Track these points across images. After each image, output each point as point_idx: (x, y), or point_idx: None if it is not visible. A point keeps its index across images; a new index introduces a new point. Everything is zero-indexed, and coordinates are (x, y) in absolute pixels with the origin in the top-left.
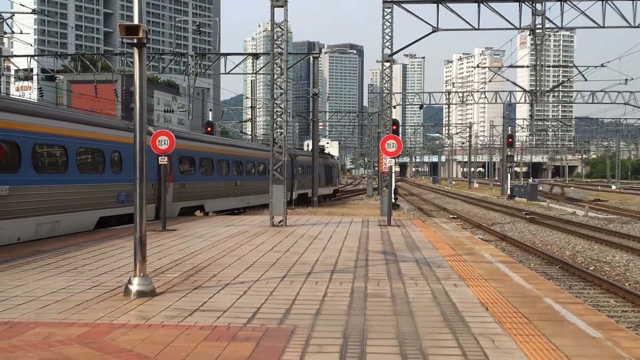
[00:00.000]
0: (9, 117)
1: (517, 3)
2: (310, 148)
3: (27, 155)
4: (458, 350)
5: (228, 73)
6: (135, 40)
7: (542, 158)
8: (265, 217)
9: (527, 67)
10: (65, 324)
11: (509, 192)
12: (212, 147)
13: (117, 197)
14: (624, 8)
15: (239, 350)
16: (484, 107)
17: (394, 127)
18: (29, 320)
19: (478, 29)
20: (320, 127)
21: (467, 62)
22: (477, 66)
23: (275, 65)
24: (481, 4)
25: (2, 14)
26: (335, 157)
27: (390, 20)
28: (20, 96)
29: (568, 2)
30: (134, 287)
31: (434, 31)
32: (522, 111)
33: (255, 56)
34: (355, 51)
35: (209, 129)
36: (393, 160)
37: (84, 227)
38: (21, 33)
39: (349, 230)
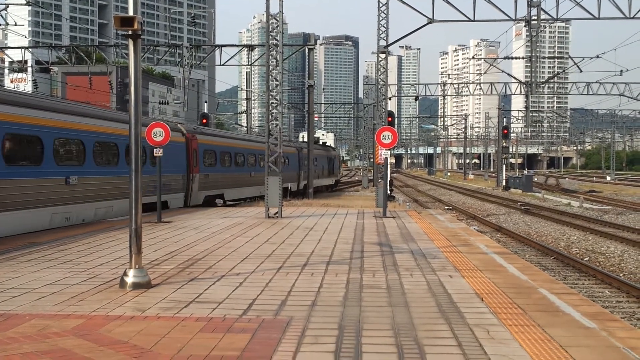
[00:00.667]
0: (77, 119)
1: None
2: (305, 139)
3: (89, 151)
4: (453, 340)
5: (223, 65)
6: (130, 32)
7: (537, 149)
8: (261, 208)
9: (523, 58)
10: (61, 315)
11: (504, 184)
12: (230, 142)
13: (155, 186)
14: None
15: (234, 342)
16: (480, 98)
17: (389, 119)
18: (24, 312)
19: (473, 20)
20: (316, 118)
21: (463, 54)
22: (473, 58)
23: (270, 57)
24: None
25: None
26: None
27: (385, 12)
28: (15, 88)
29: None
30: (130, 279)
31: (429, 22)
32: (518, 102)
33: (251, 48)
34: (350, 43)
35: (204, 120)
36: (388, 151)
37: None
38: (15, 25)
39: (345, 221)
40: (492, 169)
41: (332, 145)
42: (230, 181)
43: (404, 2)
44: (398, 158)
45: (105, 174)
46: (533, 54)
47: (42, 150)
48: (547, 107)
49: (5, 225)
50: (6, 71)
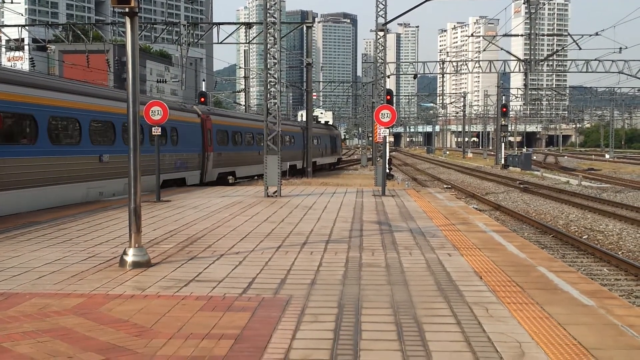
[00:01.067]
0: (109, 103)
1: None
2: (304, 118)
3: (119, 131)
4: (452, 318)
5: (221, 43)
6: (126, 10)
7: (536, 127)
8: (260, 187)
9: (522, 36)
10: (61, 294)
11: (502, 162)
12: (240, 122)
13: (174, 164)
14: None
15: (234, 320)
16: (478, 76)
17: (388, 97)
18: (24, 291)
19: None
20: (314, 97)
21: (461, 31)
22: (472, 35)
23: (268, 35)
24: None
25: None
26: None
27: None
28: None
29: None
30: (130, 258)
31: None
32: (516, 80)
33: (248, 26)
34: (349, 20)
35: (202, 99)
36: (387, 130)
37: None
38: (12, 2)
39: (344, 200)
40: (491, 148)
41: (335, 125)
42: (241, 159)
43: None
44: (397, 136)
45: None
46: (532, 32)
47: (79, 131)
48: (546, 85)
49: (51, 199)
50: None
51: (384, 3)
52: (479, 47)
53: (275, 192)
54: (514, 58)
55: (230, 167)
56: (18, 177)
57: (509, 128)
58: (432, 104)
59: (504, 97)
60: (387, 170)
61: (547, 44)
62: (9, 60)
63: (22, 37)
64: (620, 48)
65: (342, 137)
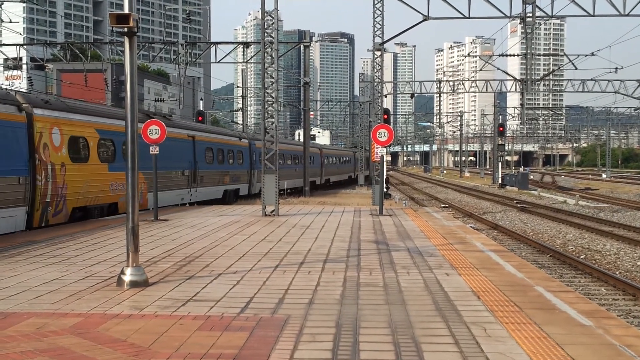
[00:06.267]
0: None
1: None
2: (301, 138)
3: (201, 153)
4: (450, 338)
5: (218, 62)
6: (125, 29)
7: (533, 147)
8: (257, 206)
9: (518, 55)
10: (59, 314)
11: (500, 181)
12: (278, 146)
13: (232, 178)
14: None
15: (232, 340)
16: (475, 95)
17: (385, 116)
18: (22, 310)
19: (469, 18)
20: (312, 116)
21: (458, 51)
22: (468, 55)
23: (266, 54)
24: None
25: None
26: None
27: (381, 9)
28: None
29: None
30: (127, 277)
31: (424, 20)
32: (513, 100)
33: (246, 45)
34: (346, 40)
35: (200, 118)
36: (384, 149)
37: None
38: (10, 22)
39: (341, 219)
40: (488, 167)
41: (354, 149)
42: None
43: None
44: (394, 156)
45: (209, 168)
46: (528, 51)
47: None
48: (543, 104)
49: None
50: (1, 68)
51: (380, 23)
52: (476, 66)
53: (273, 211)
54: (511, 78)
55: None
56: None
57: (506, 147)
58: (429, 123)
59: (500, 116)
60: (385, 190)
61: (544, 64)
62: (7, 79)
63: (20, 56)
64: (616, 68)
65: None
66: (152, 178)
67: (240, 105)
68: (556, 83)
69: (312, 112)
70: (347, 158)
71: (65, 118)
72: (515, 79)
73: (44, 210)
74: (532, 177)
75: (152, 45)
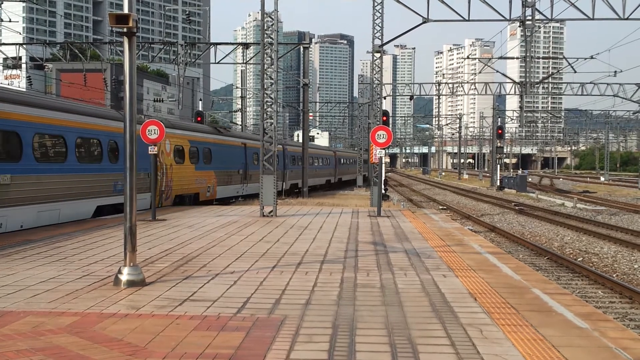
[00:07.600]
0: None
1: None
2: (300, 139)
3: (250, 157)
4: (447, 340)
5: (218, 63)
6: (125, 30)
7: (532, 149)
8: (255, 207)
9: (517, 58)
10: (55, 313)
11: (498, 184)
12: (300, 149)
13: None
14: (613, 0)
15: (229, 340)
16: (474, 98)
17: (384, 118)
18: (18, 309)
19: (468, 20)
20: (311, 117)
21: (457, 53)
22: (467, 57)
23: (265, 55)
24: None
25: None
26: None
27: (380, 11)
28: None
29: None
30: (124, 277)
31: (424, 22)
32: (512, 102)
33: (246, 46)
34: (345, 41)
35: (199, 118)
36: (383, 151)
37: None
38: (10, 21)
39: (339, 220)
40: (486, 169)
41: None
42: (312, 173)
43: (399, 2)
44: (393, 157)
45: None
46: (527, 54)
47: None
48: (542, 107)
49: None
50: (0, 67)
51: (380, 25)
52: (475, 69)
53: (271, 211)
54: (510, 80)
55: (297, 180)
56: None
57: (505, 150)
58: (428, 125)
59: (499, 119)
60: (383, 191)
61: (543, 67)
62: (6, 79)
63: (20, 55)
64: (615, 71)
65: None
66: (220, 175)
67: (240, 106)
68: (555, 86)
69: (311, 114)
70: (355, 159)
71: (171, 132)
72: (514, 82)
73: (160, 196)
74: (530, 179)
75: (152, 45)
